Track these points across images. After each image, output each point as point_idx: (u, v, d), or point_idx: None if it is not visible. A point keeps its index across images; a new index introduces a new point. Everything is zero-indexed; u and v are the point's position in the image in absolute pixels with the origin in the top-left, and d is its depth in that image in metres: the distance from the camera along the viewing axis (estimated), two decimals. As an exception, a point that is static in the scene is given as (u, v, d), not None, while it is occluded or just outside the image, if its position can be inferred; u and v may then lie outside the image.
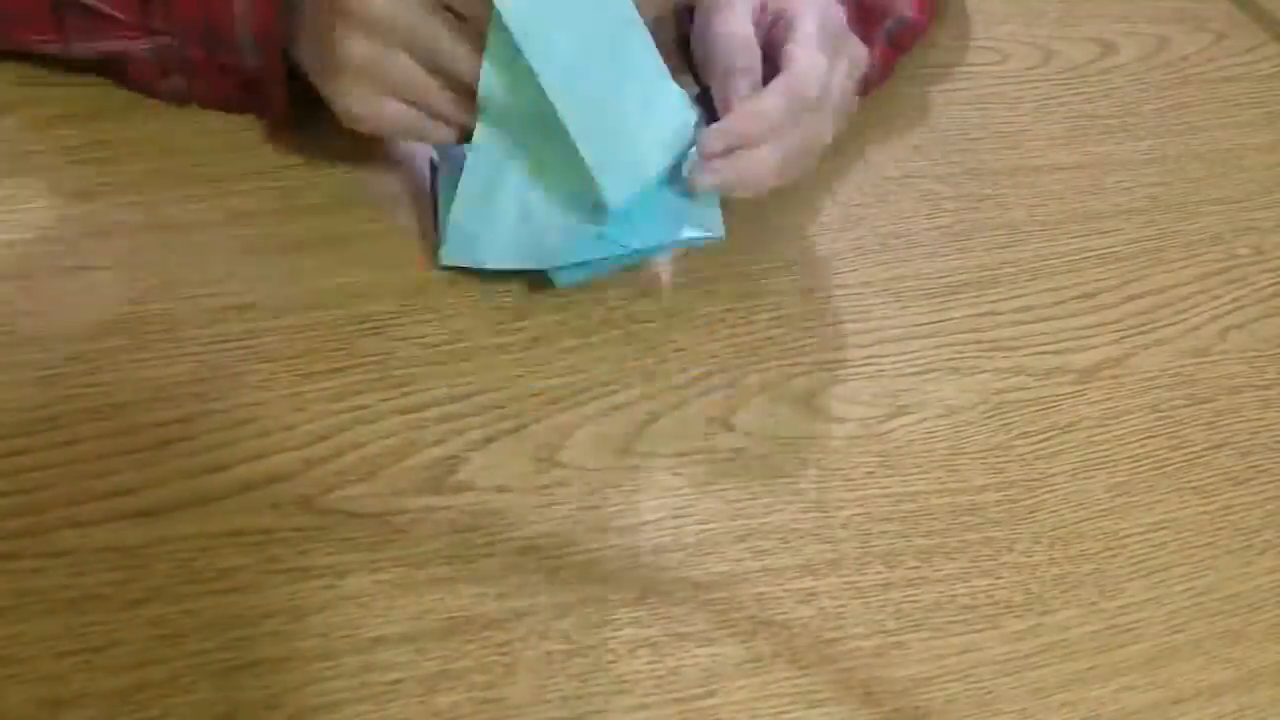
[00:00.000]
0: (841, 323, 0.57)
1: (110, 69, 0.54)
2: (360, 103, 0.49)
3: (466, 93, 0.49)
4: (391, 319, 0.52)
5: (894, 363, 0.56)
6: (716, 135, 0.51)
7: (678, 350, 0.54)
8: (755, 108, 0.52)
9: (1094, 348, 0.60)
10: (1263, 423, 0.59)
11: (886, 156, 0.65)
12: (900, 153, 0.66)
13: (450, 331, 0.52)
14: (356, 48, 0.47)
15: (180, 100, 0.55)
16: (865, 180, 0.63)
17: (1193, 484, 0.56)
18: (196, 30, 0.51)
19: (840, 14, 0.57)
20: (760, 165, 0.52)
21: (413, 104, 0.49)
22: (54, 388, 0.47)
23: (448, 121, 0.51)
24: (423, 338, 0.52)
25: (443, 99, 0.49)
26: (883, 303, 0.59)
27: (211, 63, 0.52)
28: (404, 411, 0.49)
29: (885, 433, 0.54)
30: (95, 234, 0.52)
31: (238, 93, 0.54)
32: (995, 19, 0.76)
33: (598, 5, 0.48)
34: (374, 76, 0.48)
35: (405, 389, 0.50)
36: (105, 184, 0.53)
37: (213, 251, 0.52)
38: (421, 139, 0.52)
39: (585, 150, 0.48)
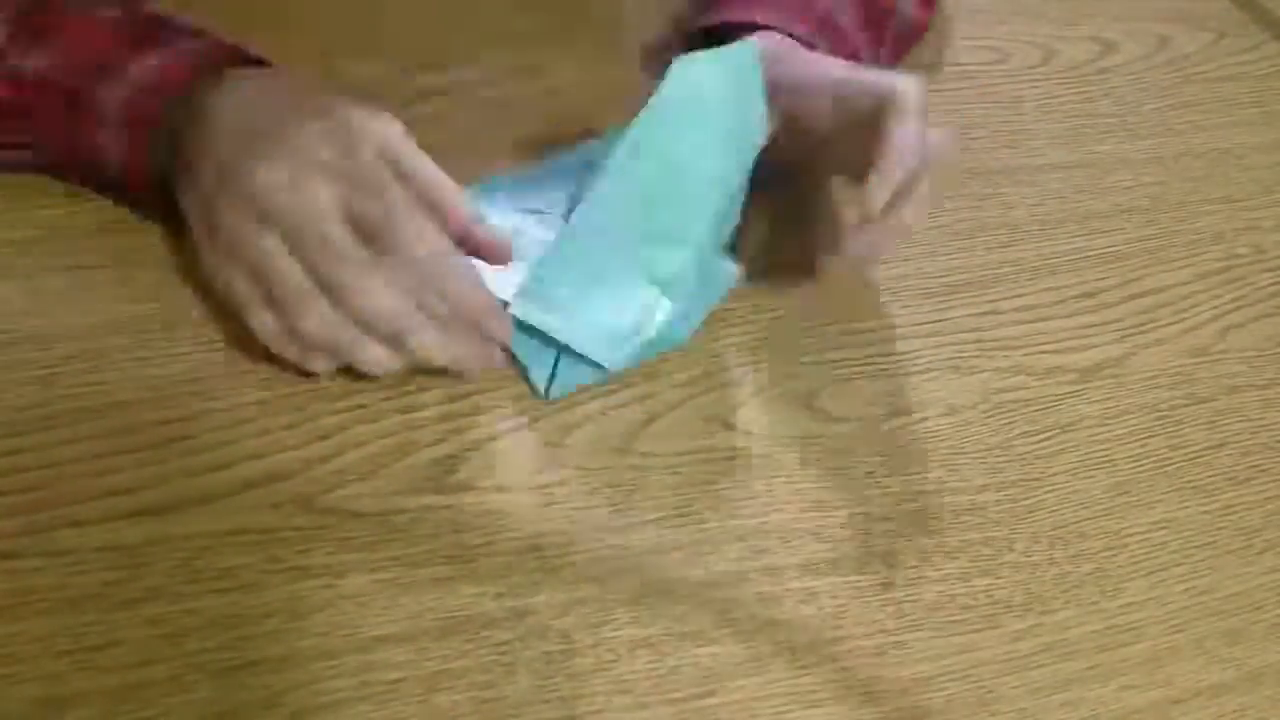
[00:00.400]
0: (841, 322, 0.57)
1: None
2: (213, 260, 0.48)
3: (325, 312, 0.46)
4: (391, 318, 0.52)
5: (894, 362, 0.56)
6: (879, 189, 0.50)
7: (677, 350, 0.54)
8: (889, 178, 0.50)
9: (1094, 347, 0.60)
10: (1263, 423, 0.59)
11: (886, 156, 0.65)
12: (900, 152, 0.66)
13: (450, 331, 0.52)
14: (231, 219, 0.46)
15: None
16: (865, 180, 0.63)
17: (1193, 484, 0.56)
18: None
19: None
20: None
21: (265, 291, 0.46)
22: (54, 387, 0.47)
23: (292, 329, 0.46)
24: (423, 337, 0.51)
25: (300, 305, 0.46)
26: (883, 302, 0.59)
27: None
28: (404, 411, 0.49)
29: (885, 433, 0.54)
30: (95, 234, 0.52)
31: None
32: (995, 19, 0.76)
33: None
34: (235, 248, 0.46)
35: (405, 388, 0.50)
36: (105, 183, 0.53)
37: (213, 251, 0.52)
38: (249, 325, 0.47)
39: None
